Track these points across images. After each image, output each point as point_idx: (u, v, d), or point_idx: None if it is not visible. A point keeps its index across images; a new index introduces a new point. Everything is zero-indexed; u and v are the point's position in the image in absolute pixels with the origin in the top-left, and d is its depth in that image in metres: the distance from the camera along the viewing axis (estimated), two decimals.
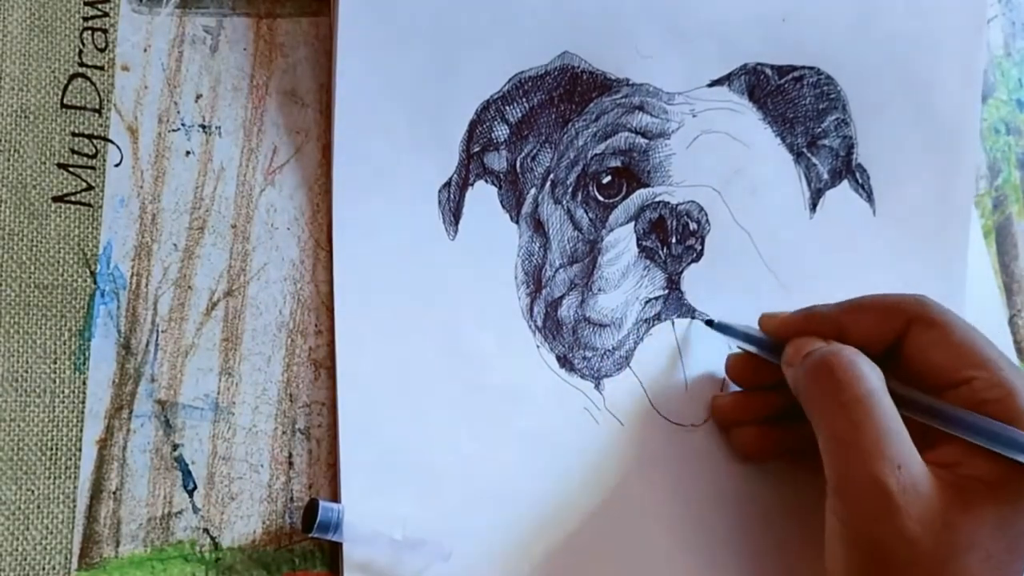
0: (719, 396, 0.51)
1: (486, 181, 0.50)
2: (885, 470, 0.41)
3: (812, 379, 0.44)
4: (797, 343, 0.47)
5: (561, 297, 0.51)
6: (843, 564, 0.42)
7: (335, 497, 0.45)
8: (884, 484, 0.40)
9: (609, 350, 0.51)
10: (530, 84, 0.51)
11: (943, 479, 0.41)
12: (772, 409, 0.50)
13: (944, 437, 0.43)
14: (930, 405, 0.44)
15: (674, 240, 0.52)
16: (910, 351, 0.46)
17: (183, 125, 0.47)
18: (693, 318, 0.52)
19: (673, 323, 0.52)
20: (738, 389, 0.52)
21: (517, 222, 0.51)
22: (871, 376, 0.43)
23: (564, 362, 0.50)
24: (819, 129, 0.55)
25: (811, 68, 0.55)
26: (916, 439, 0.42)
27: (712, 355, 0.52)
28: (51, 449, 0.43)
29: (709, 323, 0.52)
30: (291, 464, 0.46)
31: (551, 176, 0.51)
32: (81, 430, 0.43)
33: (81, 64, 0.46)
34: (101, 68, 0.46)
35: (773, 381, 0.48)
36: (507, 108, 0.51)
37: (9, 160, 0.44)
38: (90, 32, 0.46)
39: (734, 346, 0.52)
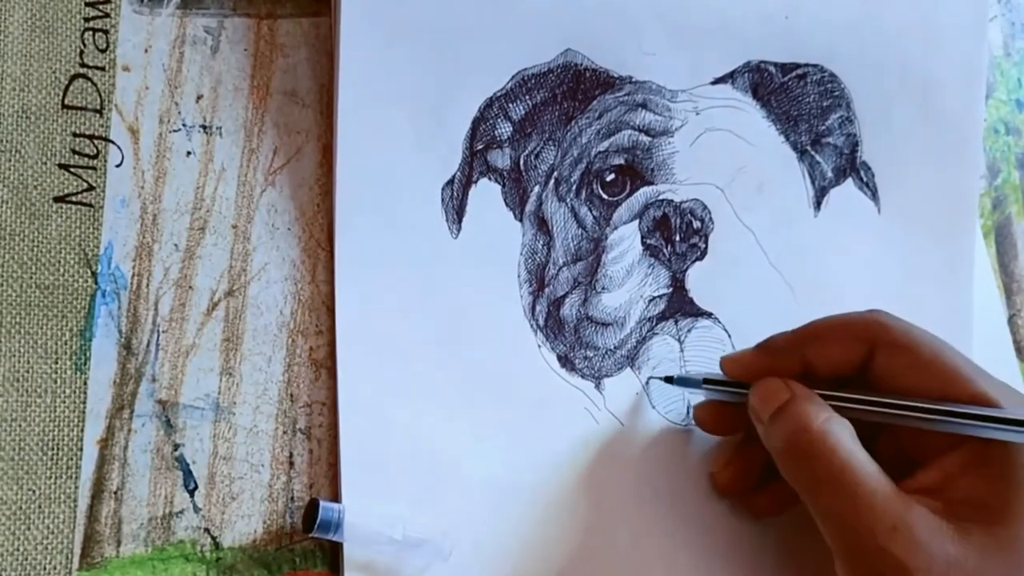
0: (717, 473, 0.50)
1: (489, 179, 0.50)
2: (888, 540, 0.40)
3: (789, 456, 0.43)
4: (760, 391, 0.45)
5: (564, 296, 0.50)
6: None
7: (335, 497, 0.45)
8: (892, 555, 0.40)
9: (611, 349, 0.51)
10: (533, 81, 0.51)
11: (934, 510, 0.41)
12: (770, 469, 0.48)
13: (921, 462, 0.43)
14: (923, 407, 0.43)
15: (678, 238, 0.52)
16: (879, 374, 0.45)
17: (184, 125, 0.47)
18: (650, 377, 0.51)
19: (676, 321, 0.52)
20: (731, 457, 0.50)
21: (521, 220, 0.51)
22: (846, 441, 0.42)
23: (565, 361, 0.50)
24: (823, 127, 0.55)
25: (815, 66, 0.55)
26: (892, 472, 0.42)
27: (713, 355, 0.51)
28: (52, 449, 0.43)
29: (668, 380, 0.50)
30: (292, 464, 0.46)
31: (555, 174, 0.51)
32: (82, 430, 0.43)
33: (82, 64, 0.46)
34: (102, 68, 0.46)
35: (746, 425, 0.47)
36: (510, 105, 0.51)
37: (10, 160, 0.44)
38: (91, 32, 0.46)
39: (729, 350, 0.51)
